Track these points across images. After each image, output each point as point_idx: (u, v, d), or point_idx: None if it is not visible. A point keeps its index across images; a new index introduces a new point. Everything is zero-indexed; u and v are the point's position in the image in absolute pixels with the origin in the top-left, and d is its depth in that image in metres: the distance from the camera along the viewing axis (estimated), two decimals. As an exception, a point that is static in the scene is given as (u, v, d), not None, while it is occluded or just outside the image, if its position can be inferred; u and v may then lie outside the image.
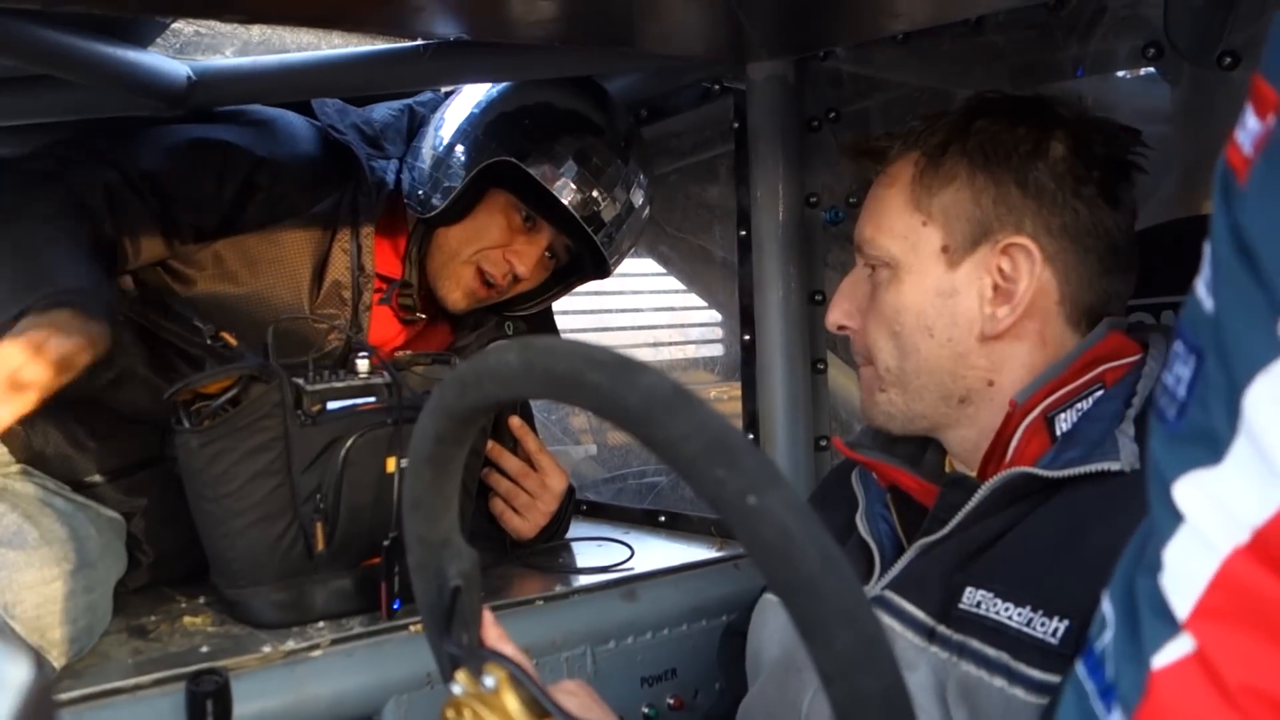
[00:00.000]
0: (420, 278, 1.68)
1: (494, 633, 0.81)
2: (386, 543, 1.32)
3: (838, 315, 1.10)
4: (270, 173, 1.53)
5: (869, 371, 1.08)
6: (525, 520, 1.66)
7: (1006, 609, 0.84)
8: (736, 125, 1.71)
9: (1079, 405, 0.94)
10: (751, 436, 1.70)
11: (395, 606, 1.30)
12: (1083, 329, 0.99)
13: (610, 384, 0.58)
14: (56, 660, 1.15)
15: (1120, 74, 1.36)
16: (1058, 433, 0.93)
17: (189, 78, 1.54)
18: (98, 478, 1.48)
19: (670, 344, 2.47)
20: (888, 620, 0.92)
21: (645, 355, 3.55)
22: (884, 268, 1.04)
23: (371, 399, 1.36)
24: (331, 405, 1.34)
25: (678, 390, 0.57)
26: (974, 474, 0.99)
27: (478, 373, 0.67)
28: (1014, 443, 0.94)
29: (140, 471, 1.52)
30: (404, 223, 1.68)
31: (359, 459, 1.33)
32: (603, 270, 1.71)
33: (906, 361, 1.02)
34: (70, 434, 1.47)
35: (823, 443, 1.67)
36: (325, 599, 1.33)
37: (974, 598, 0.87)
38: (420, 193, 1.60)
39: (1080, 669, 0.49)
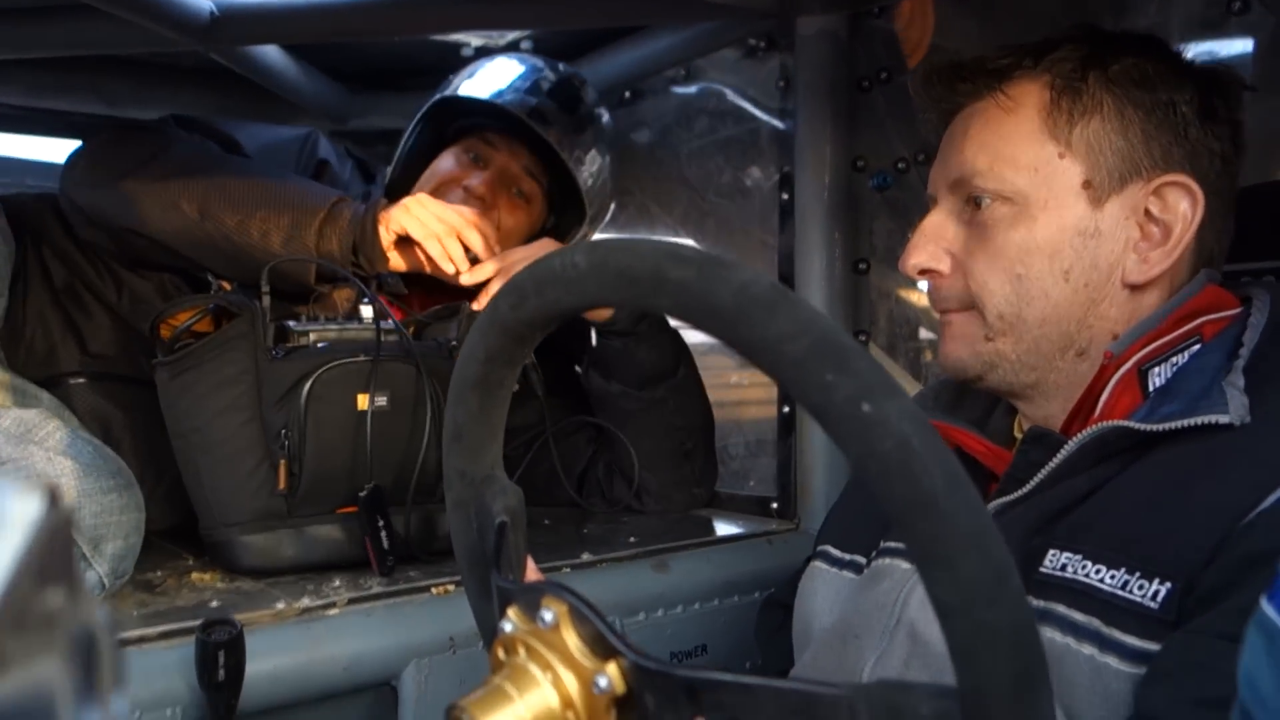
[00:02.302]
0: None
1: (534, 578, 0.74)
2: (363, 493, 1.26)
3: (923, 257, 0.97)
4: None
5: (965, 319, 0.96)
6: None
7: (1097, 571, 0.77)
8: (783, 84, 1.65)
9: (1174, 359, 0.86)
10: (787, 410, 1.64)
11: (390, 564, 1.23)
12: (1199, 277, 0.91)
13: (698, 280, 0.51)
14: (105, 579, 1.11)
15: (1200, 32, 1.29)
16: (1151, 387, 0.85)
17: (212, 13, 1.48)
18: (79, 379, 1.51)
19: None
20: None
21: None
22: (1002, 203, 0.92)
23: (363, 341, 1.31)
24: (323, 345, 1.30)
25: (776, 287, 0.50)
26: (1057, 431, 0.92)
27: (539, 279, 0.61)
28: (1104, 397, 0.87)
29: (119, 384, 1.52)
30: None
31: (325, 393, 1.26)
32: (580, 209, 1.74)
33: (1029, 308, 0.92)
34: (68, 325, 1.51)
35: (862, 417, 1.60)
36: (300, 546, 1.27)
37: (1058, 560, 0.80)
38: (389, 170, 1.74)
39: (1269, 609, 0.42)
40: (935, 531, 0.45)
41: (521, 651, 0.56)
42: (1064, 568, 0.79)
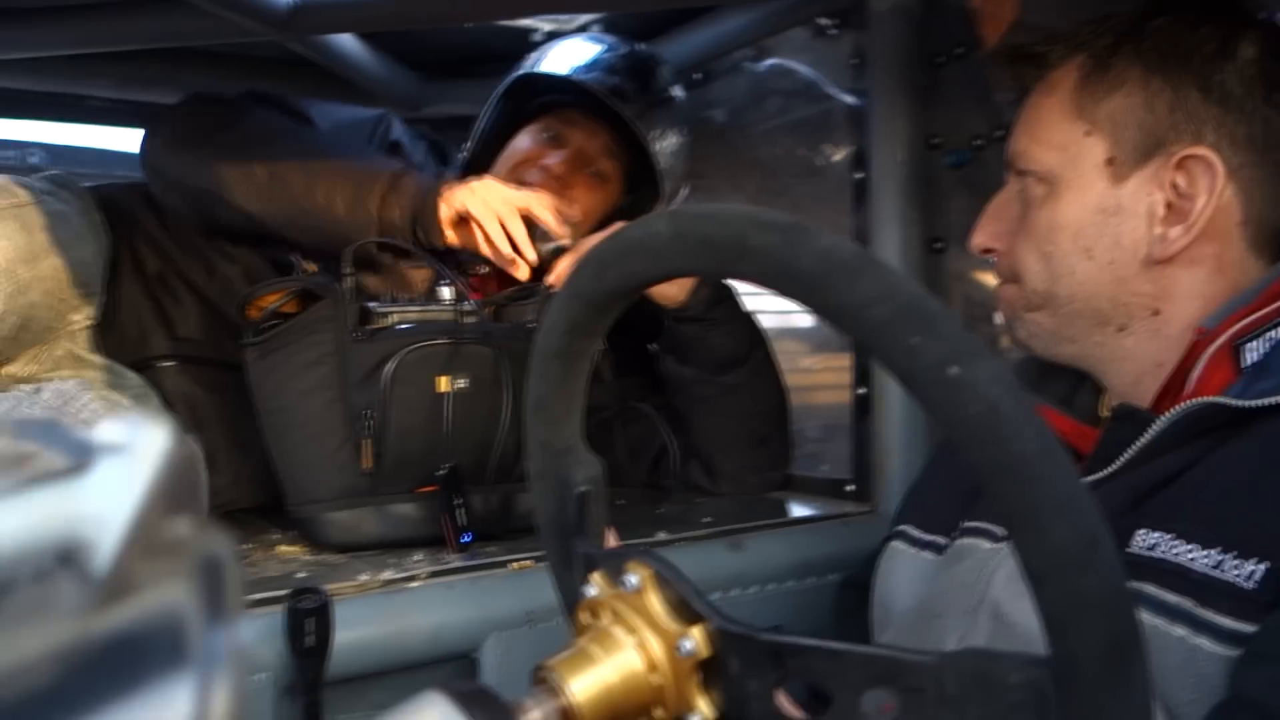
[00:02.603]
0: None
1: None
2: (441, 472, 1.28)
3: (983, 238, 1.01)
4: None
5: (1012, 290, 0.98)
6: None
7: (1189, 551, 0.75)
8: (855, 62, 1.63)
9: (1270, 334, 0.83)
10: (863, 391, 1.62)
11: (465, 540, 1.25)
12: (1265, 254, 0.89)
13: (781, 246, 0.51)
14: None
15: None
16: (1245, 363, 0.83)
17: (291, 2, 1.51)
18: (168, 363, 1.55)
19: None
20: None
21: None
22: (1038, 183, 0.94)
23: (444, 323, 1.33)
24: (404, 326, 1.32)
25: (861, 252, 0.50)
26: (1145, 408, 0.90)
27: (620, 249, 0.61)
28: (1196, 373, 0.85)
29: (206, 368, 1.56)
30: None
31: (407, 375, 1.29)
32: (655, 189, 1.72)
33: (1058, 285, 0.93)
34: (158, 311, 1.55)
35: (939, 399, 1.59)
36: (382, 524, 1.30)
37: (1148, 540, 0.78)
38: (465, 149, 1.74)
39: None
40: (1026, 496, 0.45)
41: (606, 615, 0.56)
42: (1154, 547, 0.78)
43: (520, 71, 1.71)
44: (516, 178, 1.63)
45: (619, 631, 0.56)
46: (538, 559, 1.23)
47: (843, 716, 0.51)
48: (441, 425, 1.30)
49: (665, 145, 1.68)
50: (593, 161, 1.69)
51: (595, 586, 0.58)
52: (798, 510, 1.57)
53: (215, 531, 0.26)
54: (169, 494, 0.25)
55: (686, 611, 0.55)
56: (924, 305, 0.47)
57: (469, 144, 1.74)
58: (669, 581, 0.55)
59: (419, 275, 1.52)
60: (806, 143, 1.79)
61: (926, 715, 0.49)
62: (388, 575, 1.15)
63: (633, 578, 0.56)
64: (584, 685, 0.54)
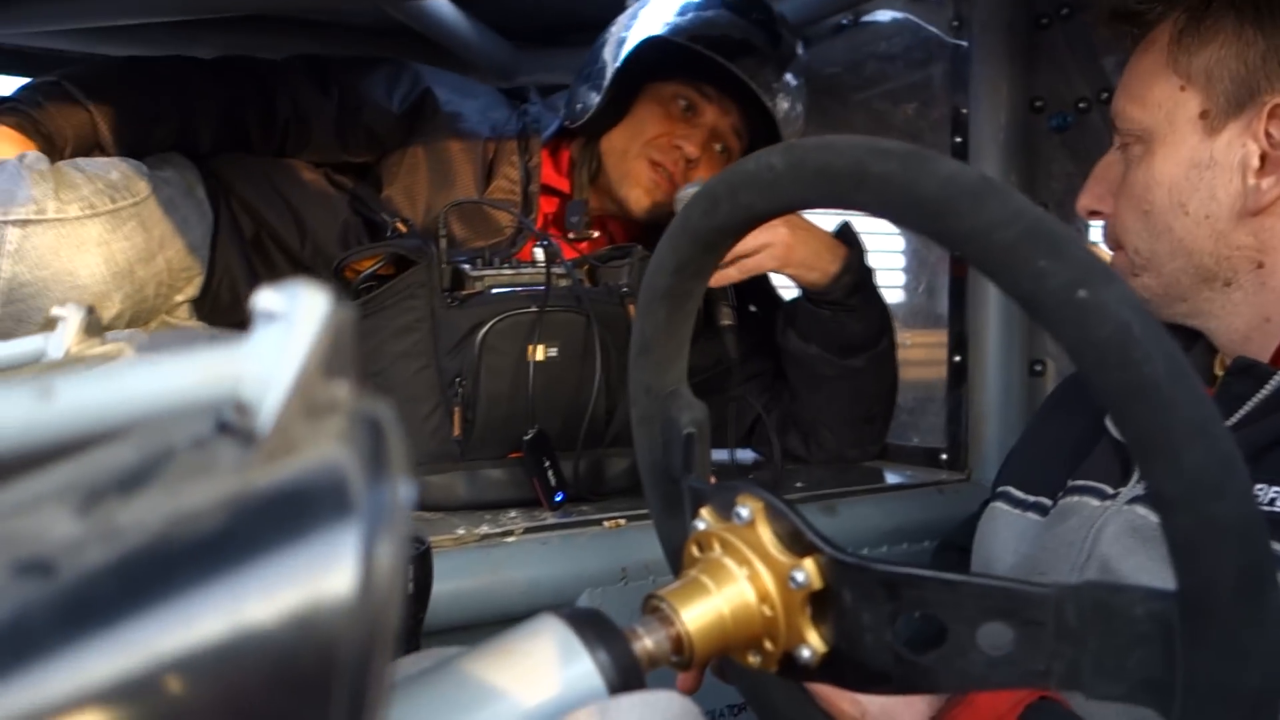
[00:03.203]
0: (592, 198, 1.69)
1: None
2: (528, 437, 1.28)
3: (1089, 200, 1.00)
4: (436, 100, 1.64)
5: (1120, 258, 0.97)
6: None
7: None
8: (956, 23, 1.60)
9: None
10: (958, 359, 1.60)
11: (559, 499, 1.26)
12: None
13: (902, 173, 0.51)
14: None
15: None
16: None
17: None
18: None
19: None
20: (1156, 521, 0.82)
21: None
22: (1136, 142, 0.93)
23: (536, 287, 1.33)
24: (497, 291, 1.33)
25: (983, 177, 0.49)
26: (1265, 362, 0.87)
27: (731, 183, 0.61)
28: None
29: None
30: (569, 149, 1.71)
31: (498, 344, 1.30)
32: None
33: (1158, 243, 0.92)
34: (252, 276, 1.57)
35: (1038, 367, 1.56)
36: (473, 488, 1.32)
37: (1267, 495, 0.76)
38: (579, 105, 1.63)
39: None
40: (1157, 420, 0.43)
41: (717, 547, 0.56)
42: (1274, 502, 0.75)
43: (654, 34, 1.58)
44: (647, 155, 1.61)
45: (730, 563, 0.56)
46: (631, 518, 1.23)
47: (958, 650, 0.51)
48: (531, 393, 1.31)
49: (793, 123, 1.64)
50: (722, 138, 1.66)
51: (704, 521, 0.58)
52: (892, 478, 1.55)
53: (373, 397, 0.26)
54: (327, 357, 0.26)
55: (799, 543, 0.55)
56: (1051, 228, 0.46)
57: (577, 102, 1.65)
58: (781, 514, 0.55)
59: (504, 215, 1.54)
60: (905, 107, 1.77)
61: (1045, 648, 0.48)
62: (485, 530, 1.17)
63: (744, 510, 0.56)
64: (695, 615, 0.54)
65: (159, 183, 1.46)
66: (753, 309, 1.73)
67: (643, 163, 1.62)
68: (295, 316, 0.26)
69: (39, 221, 1.31)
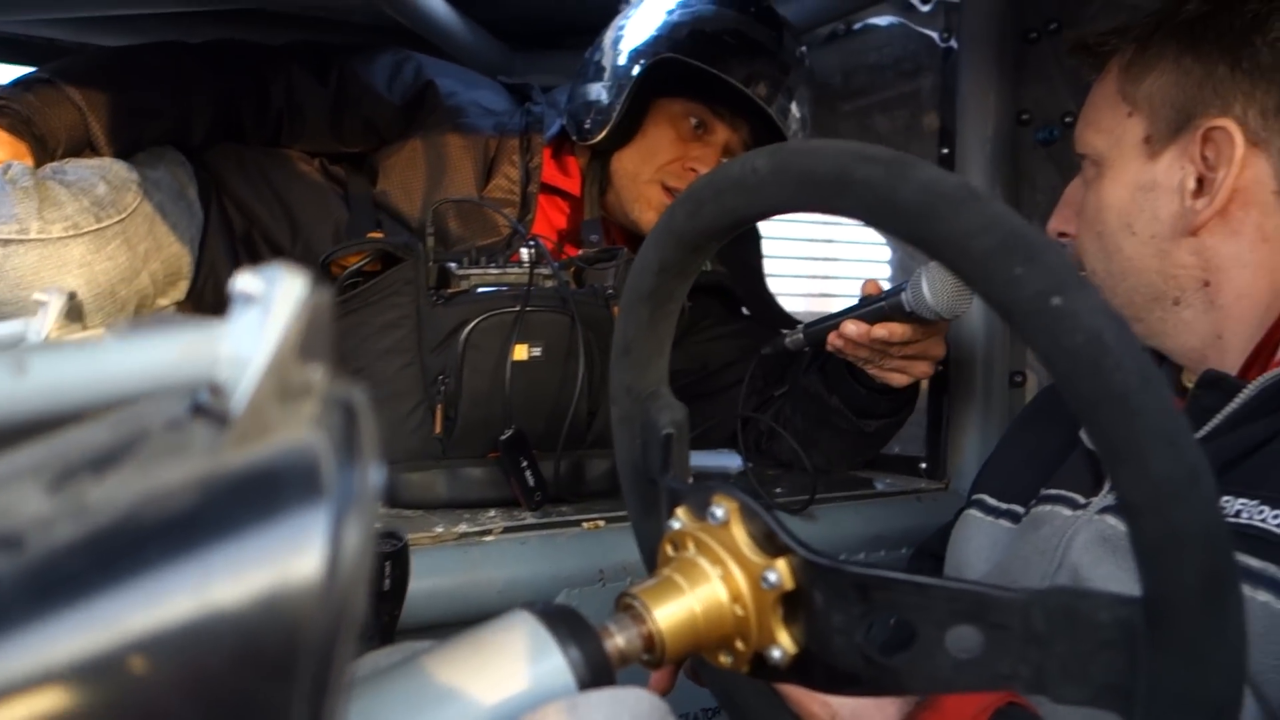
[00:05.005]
0: (601, 212, 1.70)
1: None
2: (504, 437, 1.28)
3: (1057, 222, 1.05)
4: (439, 92, 1.62)
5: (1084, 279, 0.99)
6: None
7: (1275, 517, 0.74)
8: (946, 35, 1.61)
9: None
10: (940, 369, 1.61)
11: (539, 498, 1.26)
12: None
13: (884, 179, 0.51)
14: None
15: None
16: None
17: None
18: None
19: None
20: (1126, 530, 0.83)
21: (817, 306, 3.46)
22: (1092, 166, 0.98)
23: (521, 286, 1.32)
24: (482, 290, 1.33)
25: (964, 184, 0.50)
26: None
27: (716, 186, 0.61)
28: None
29: None
30: (573, 155, 1.70)
31: (481, 342, 1.29)
32: None
33: (1111, 263, 0.96)
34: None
35: (1018, 378, 1.57)
36: (454, 486, 1.31)
37: (1232, 507, 0.77)
38: (587, 122, 1.61)
39: None
40: (1126, 427, 0.44)
41: (691, 546, 0.57)
42: (1238, 514, 0.77)
43: (666, 54, 1.55)
44: (660, 180, 1.61)
45: (704, 562, 0.56)
46: (610, 520, 1.24)
47: (926, 653, 0.51)
48: (514, 392, 1.30)
49: (801, 135, 1.64)
50: (734, 154, 1.65)
51: (680, 520, 0.59)
52: (872, 484, 1.56)
53: (346, 381, 0.27)
54: (303, 341, 0.26)
55: (772, 544, 0.55)
56: (1028, 236, 0.47)
57: (584, 118, 1.63)
58: (755, 514, 0.55)
59: (500, 216, 1.54)
60: (892, 120, 1.78)
61: (1012, 652, 0.49)
62: (463, 528, 1.17)
63: (719, 510, 0.56)
64: (668, 613, 0.55)
65: (149, 187, 1.44)
66: (745, 312, 1.73)
67: (656, 188, 1.62)
68: (272, 300, 0.26)
69: (21, 241, 1.28)
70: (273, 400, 0.26)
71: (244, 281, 0.27)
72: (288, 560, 0.24)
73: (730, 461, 1.71)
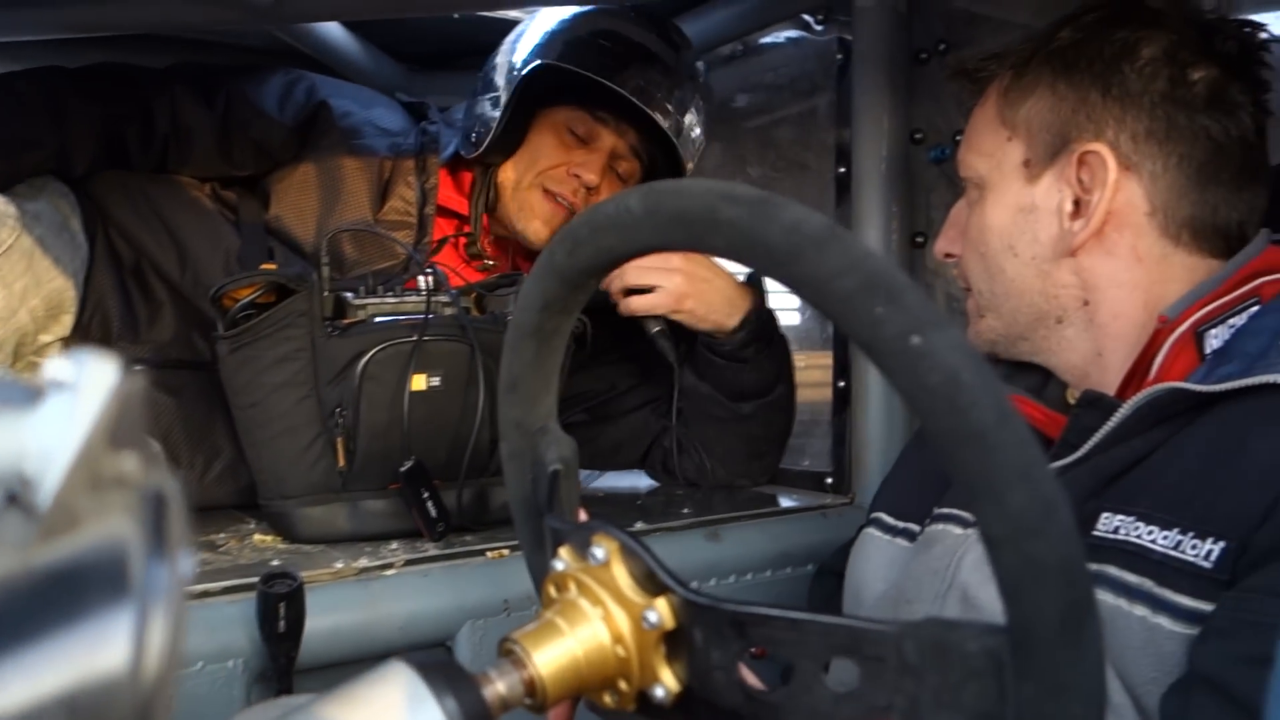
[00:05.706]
0: (491, 225, 1.69)
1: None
2: (403, 469, 1.26)
3: (943, 243, 1.07)
4: (332, 113, 1.59)
5: (970, 299, 1.04)
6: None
7: (1150, 532, 0.76)
8: (840, 57, 1.64)
9: (1232, 321, 0.85)
10: (842, 384, 1.63)
11: (440, 529, 1.25)
12: (1185, 243, 0.91)
13: (750, 219, 0.52)
14: None
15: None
16: (1207, 350, 0.85)
17: (277, -13, 1.50)
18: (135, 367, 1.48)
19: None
20: None
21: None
22: (974, 189, 1.00)
23: (419, 316, 1.30)
24: (380, 320, 1.30)
25: (828, 224, 0.50)
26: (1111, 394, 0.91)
27: (592, 225, 0.61)
28: (1159, 360, 0.86)
29: (172, 370, 1.52)
30: (470, 171, 1.69)
31: (378, 373, 1.27)
32: (681, 173, 1.66)
33: (995, 284, 0.99)
34: (127, 311, 1.51)
35: (919, 394, 1.59)
36: (355, 520, 1.29)
37: (1111, 523, 0.80)
38: (473, 136, 1.61)
39: None
40: (983, 464, 0.45)
41: (573, 588, 0.57)
42: (1116, 530, 0.79)
43: (541, 61, 1.56)
44: (540, 185, 1.61)
45: (585, 604, 0.56)
46: (514, 548, 1.23)
47: (804, 687, 0.52)
48: (413, 423, 1.28)
49: (692, 141, 1.65)
50: (619, 162, 1.65)
51: (563, 560, 0.59)
52: (780, 502, 1.57)
53: (160, 469, 0.26)
54: (114, 429, 0.26)
55: (652, 583, 0.55)
56: (889, 276, 0.48)
57: (471, 131, 1.62)
58: (635, 554, 0.55)
59: (397, 237, 1.53)
60: (791, 137, 1.80)
61: (888, 684, 0.50)
62: (363, 563, 1.15)
63: (599, 550, 0.56)
64: (549, 657, 0.54)
65: (29, 221, 1.37)
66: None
67: (537, 193, 1.61)
68: (81, 387, 0.25)
69: None
70: (83, 491, 0.25)
71: (54, 368, 0.26)
72: (91, 659, 0.23)
73: (640, 482, 1.72)
